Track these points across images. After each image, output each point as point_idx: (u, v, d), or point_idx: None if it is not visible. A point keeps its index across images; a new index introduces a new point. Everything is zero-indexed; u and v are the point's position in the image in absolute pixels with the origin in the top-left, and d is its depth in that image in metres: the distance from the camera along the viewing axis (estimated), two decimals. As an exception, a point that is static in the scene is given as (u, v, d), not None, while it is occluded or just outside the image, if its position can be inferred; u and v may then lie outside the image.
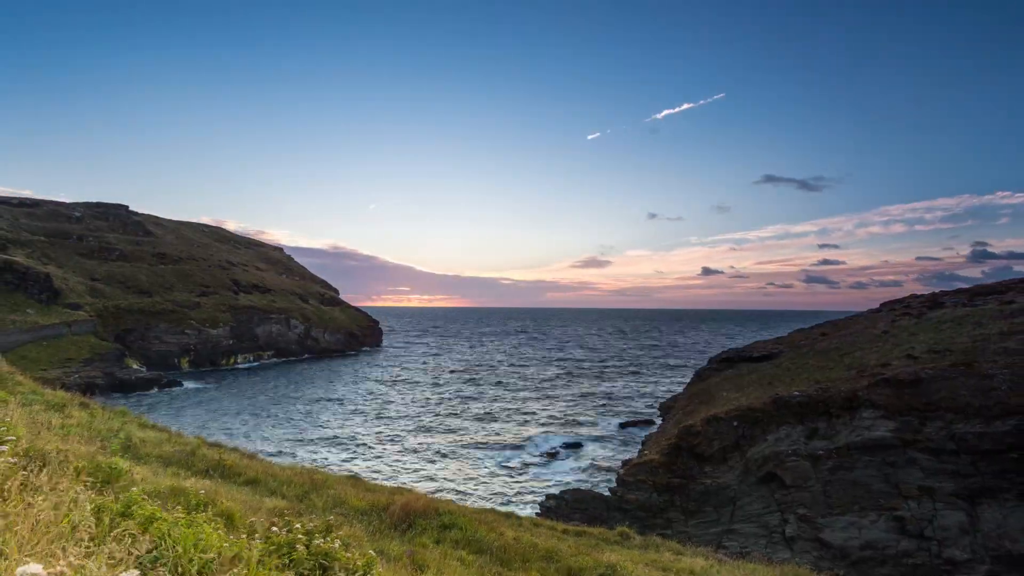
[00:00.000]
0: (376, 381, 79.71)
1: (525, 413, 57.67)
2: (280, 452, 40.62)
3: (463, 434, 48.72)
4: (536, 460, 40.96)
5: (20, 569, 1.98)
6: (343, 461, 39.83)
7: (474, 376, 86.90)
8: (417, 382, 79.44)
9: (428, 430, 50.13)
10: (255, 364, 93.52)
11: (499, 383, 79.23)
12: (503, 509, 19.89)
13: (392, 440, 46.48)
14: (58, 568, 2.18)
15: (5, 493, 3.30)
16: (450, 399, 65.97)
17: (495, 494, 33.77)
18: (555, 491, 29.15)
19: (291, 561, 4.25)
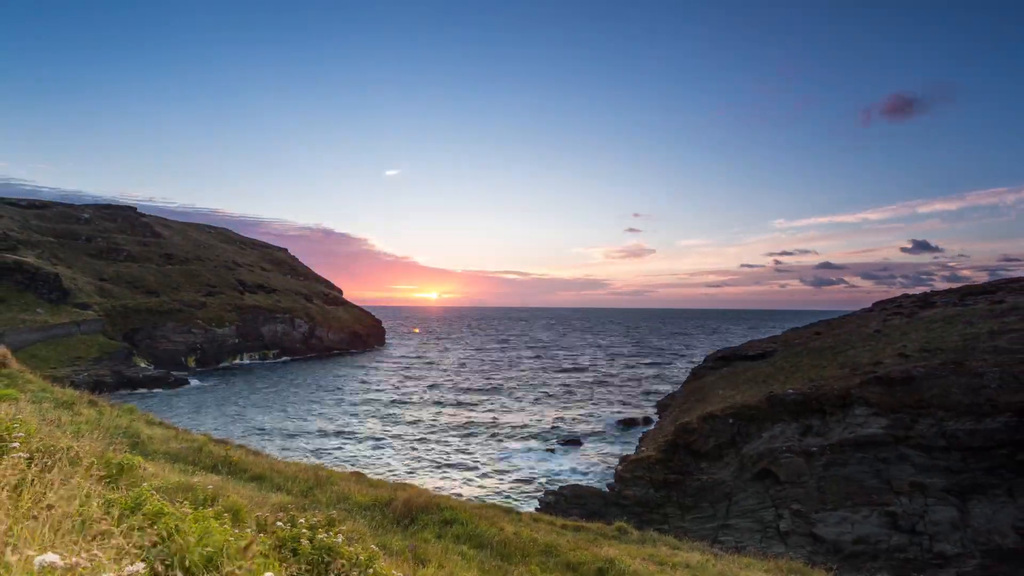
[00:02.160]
0: (378, 380, 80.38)
1: (524, 411, 58.15)
2: (285, 449, 41.24)
3: (463, 431, 49.25)
4: (536, 457, 41.45)
5: (39, 559, 2.05)
6: (346, 458, 40.43)
7: (474, 375, 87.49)
8: (418, 381, 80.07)
9: (429, 427, 50.70)
10: (260, 363, 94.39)
11: (499, 382, 79.77)
12: (503, 505, 20.32)
13: (394, 437, 47.06)
14: (73, 560, 2.23)
15: (19, 488, 3.31)
16: (451, 397, 66.53)
17: (495, 490, 34.28)
18: (554, 487, 29.60)
19: (295, 555, 4.27)
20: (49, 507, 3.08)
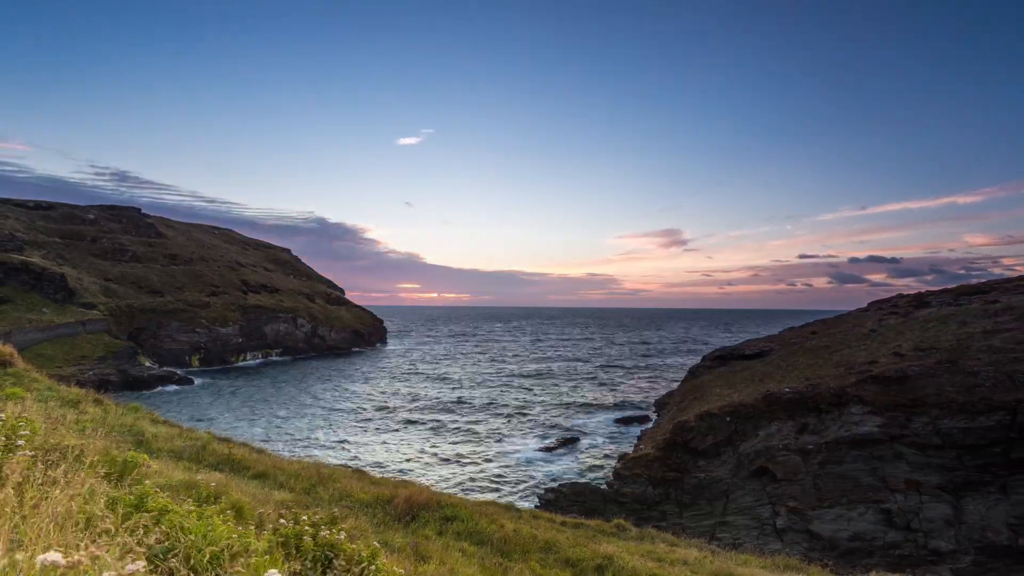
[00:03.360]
0: (379, 378, 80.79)
1: (524, 409, 58.45)
2: (287, 447, 41.63)
3: (464, 429, 49.59)
4: (535, 454, 41.76)
5: (41, 557, 2.05)
6: (348, 456, 40.77)
7: (474, 374, 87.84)
8: (419, 379, 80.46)
9: (430, 425, 51.05)
10: (263, 362, 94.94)
11: (499, 380, 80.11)
12: (503, 502, 20.51)
13: (396, 435, 47.41)
14: (76, 557, 2.23)
15: (24, 486, 3.36)
16: (451, 395, 66.87)
17: (495, 487, 34.59)
18: (553, 484, 29.90)
19: (298, 552, 4.34)
20: (53, 504, 3.12)
